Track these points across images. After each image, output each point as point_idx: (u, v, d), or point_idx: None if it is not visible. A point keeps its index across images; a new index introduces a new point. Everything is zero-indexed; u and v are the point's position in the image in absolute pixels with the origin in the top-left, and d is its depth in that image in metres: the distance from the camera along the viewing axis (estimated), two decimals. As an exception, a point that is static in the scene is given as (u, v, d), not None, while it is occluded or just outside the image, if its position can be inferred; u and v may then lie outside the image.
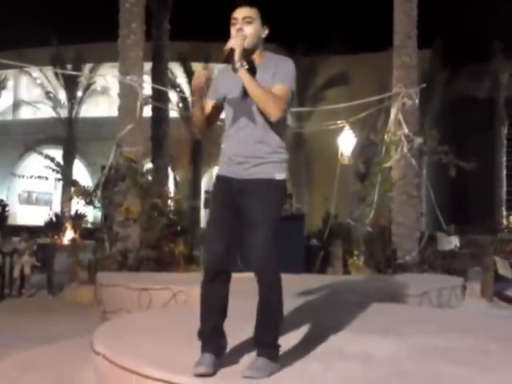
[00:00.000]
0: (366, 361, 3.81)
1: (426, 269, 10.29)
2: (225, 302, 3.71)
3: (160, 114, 17.50)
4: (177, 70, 27.14)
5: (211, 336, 3.60)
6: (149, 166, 13.40)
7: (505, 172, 26.46)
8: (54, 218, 24.20)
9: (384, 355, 3.96)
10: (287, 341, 4.22)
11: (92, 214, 18.97)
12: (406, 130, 10.53)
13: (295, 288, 6.43)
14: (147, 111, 15.27)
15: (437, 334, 4.66)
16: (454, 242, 14.46)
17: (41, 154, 11.84)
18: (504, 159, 26.48)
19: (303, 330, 4.68)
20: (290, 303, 5.96)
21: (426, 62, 21.86)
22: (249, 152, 3.56)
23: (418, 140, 10.64)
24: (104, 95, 30.41)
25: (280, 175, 3.58)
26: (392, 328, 4.91)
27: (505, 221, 24.66)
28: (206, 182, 29.86)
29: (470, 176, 12.11)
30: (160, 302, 7.23)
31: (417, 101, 10.85)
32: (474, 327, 5.26)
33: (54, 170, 11.13)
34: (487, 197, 25.94)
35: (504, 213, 25.48)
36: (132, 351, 3.96)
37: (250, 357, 3.64)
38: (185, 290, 7.21)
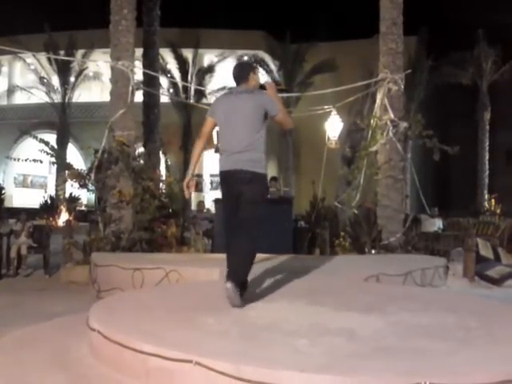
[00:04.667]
0: (351, 336, 3.91)
1: (410, 250, 10.42)
2: None
3: (151, 99, 17.61)
4: (167, 56, 27.16)
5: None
6: (141, 149, 13.51)
7: (487, 156, 26.59)
8: (48, 201, 24.29)
9: (368, 331, 4.07)
10: (274, 317, 4.42)
11: (86, 196, 19.14)
12: (392, 115, 10.60)
13: (284, 268, 6.64)
14: (139, 96, 15.40)
15: (420, 312, 4.77)
16: (437, 224, 14.67)
17: (35, 138, 11.87)
18: (486, 144, 26.54)
19: (290, 307, 4.86)
20: (278, 282, 6.25)
21: (412, 49, 21.99)
22: None
23: (403, 125, 10.73)
24: (96, 80, 30.44)
25: None
26: (376, 306, 5.02)
27: (486, 204, 24.83)
28: (196, 166, 30.04)
29: (454, 160, 12.31)
30: (153, 281, 7.24)
31: (402, 86, 10.92)
32: (456, 305, 5.36)
33: (48, 154, 11.18)
34: (470, 180, 26.17)
35: (486, 196, 25.66)
36: (126, 327, 4.11)
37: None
38: (177, 269, 7.24)
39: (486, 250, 10.76)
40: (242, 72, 5.31)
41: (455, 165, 22.02)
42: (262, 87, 5.32)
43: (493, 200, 24.35)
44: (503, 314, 5.10)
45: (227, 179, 5.19)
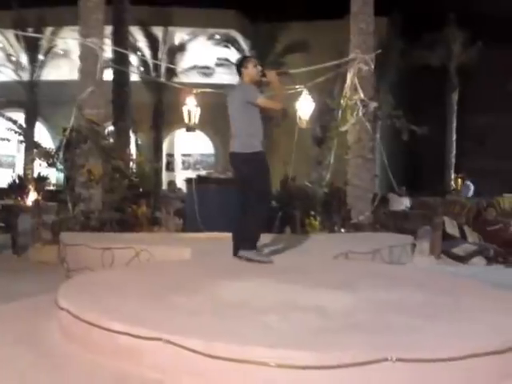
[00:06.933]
0: (321, 313, 3.96)
1: (378, 228, 10.55)
2: None
3: (121, 77, 17.44)
4: (137, 34, 26.85)
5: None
6: (110, 128, 13.39)
7: (454, 137, 26.92)
8: (17, 180, 23.97)
9: (338, 307, 4.13)
10: (245, 295, 4.45)
11: (55, 176, 18.88)
12: (362, 95, 10.67)
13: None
14: (109, 75, 15.23)
15: (388, 288, 4.84)
16: (405, 203, 14.87)
17: (3, 116, 11.72)
18: (454, 124, 26.84)
19: (261, 285, 4.89)
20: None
21: (383, 30, 21.99)
22: None
23: (373, 105, 10.80)
24: (65, 58, 29.94)
25: None
26: (346, 282, 5.08)
27: (453, 183, 25.20)
28: (167, 146, 29.80)
29: (423, 140, 12.39)
30: (123, 260, 7.21)
31: (372, 66, 10.98)
32: (423, 282, 5.46)
33: (16, 133, 11.03)
34: (438, 161, 26.46)
35: (452, 175, 26.02)
36: (95, 306, 4.09)
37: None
38: (148, 248, 7.22)
39: (452, 229, 10.95)
40: (237, 68, 6.40)
41: (424, 145, 22.16)
42: (263, 75, 6.35)
43: (459, 180, 24.72)
44: (469, 290, 5.22)
45: (231, 160, 6.36)
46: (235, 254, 6.34)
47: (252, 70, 6.32)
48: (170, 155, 30.54)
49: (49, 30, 28.23)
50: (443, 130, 26.35)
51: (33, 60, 29.63)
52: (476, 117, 26.92)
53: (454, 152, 26.85)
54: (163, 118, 26.66)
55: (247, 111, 6.17)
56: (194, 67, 27.79)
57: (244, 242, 6.17)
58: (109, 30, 15.32)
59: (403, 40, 24.26)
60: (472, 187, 21.59)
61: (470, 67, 24.67)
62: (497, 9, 24.65)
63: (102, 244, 7.62)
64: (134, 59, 24.61)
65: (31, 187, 19.01)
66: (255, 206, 6.15)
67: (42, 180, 19.03)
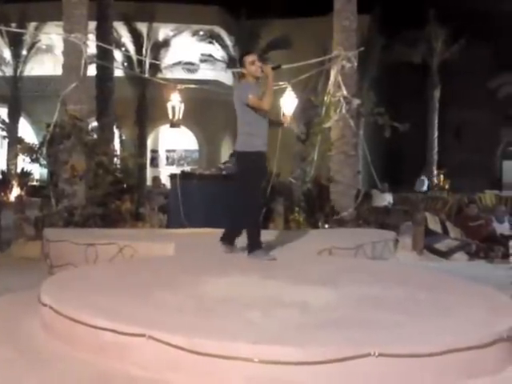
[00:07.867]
0: (304, 309, 4.02)
1: (361, 224, 10.56)
2: None
3: (105, 72, 17.34)
4: (122, 30, 26.73)
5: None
6: (94, 124, 13.30)
7: (436, 134, 27.14)
8: (0, 176, 23.83)
9: (321, 303, 4.18)
10: (228, 291, 4.49)
11: (38, 171, 18.79)
12: (345, 92, 10.66)
13: (239, 242, 6.71)
14: (92, 70, 15.14)
15: (370, 284, 4.90)
16: (387, 198, 15.00)
17: (-15, 111, 11.65)
18: (436, 121, 27.08)
19: (244, 281, 4.93)
20: (233, 256, 6.34)
21: (366, 27, 22.05)
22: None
23: (356, 102, 10.81)
24: (49, 54, 29.74)
25: None
26: (329, 278, 5.14)
27: (435, 179, 25.42)
28: (152, 142, 29.72)
29: (405, 137, 12.46)
30: (107, 256, 7.19)
31: (355, 64, 11.00)
32: (405, 278, 5.53)
33: (-1, 128, 11.00)
34: (420, 157, 26.69)
35: (434, 172, 26.24)
36: (78, 302, 4.09)
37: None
38: (131, 244, 7.21)
39: (434, 224, 11.03)
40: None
41: (406, 142, 22.35)
42: (261, 70, 6.26)
43: (441, 176, 24.97)
44: (450, 286, 5.28)
45: (234, 157, 6.67)
46: (221, 238, 6.52)
47: (250, 67, 6.23)
48: (155, 151, 30.46)
49: (32, 25, 28.06)
50: (424, 126, 26.54)
51: (16, 55, 29.38)
52: (457, 113, 27.14)
53: (436, 149, 27.05)
54: (147, 113, 26.56)
55: (245, 111, 6.14)
56: (179, 63, 27.72)
57: (250, 246, 6.24)
58: (93, 25, 15.21)
59: (385, 37, 24.37)
60: (426, 182, 22.00)
61: (452, 64, 24.82)
62: (480, 5, 24.85)
63: (86, 240, 7.59)
64: (118, 55, 24.48)
65: (14, 182, 18.92)
66: (249, 205, 6.21)
67: (25, 175, 18.95)
